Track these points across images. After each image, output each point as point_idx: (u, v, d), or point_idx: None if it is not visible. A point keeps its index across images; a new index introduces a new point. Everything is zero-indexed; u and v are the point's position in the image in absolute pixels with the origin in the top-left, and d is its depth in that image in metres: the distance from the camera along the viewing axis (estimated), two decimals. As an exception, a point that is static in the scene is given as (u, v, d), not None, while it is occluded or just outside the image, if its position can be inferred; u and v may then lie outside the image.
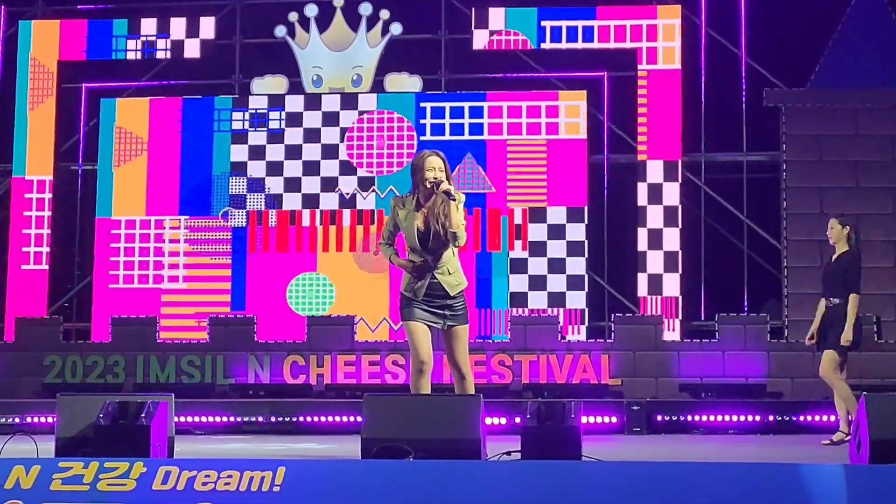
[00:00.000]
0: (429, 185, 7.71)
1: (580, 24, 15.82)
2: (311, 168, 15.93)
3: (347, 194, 15.84)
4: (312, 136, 15.99)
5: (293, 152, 16.00)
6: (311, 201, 15.86)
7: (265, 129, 16.05)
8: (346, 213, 15.79)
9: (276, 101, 16.08)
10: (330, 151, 15.95)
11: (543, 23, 15.87)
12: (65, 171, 16.53)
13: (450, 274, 7.76)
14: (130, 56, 16.32)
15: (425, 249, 7.75)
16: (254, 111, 16.09)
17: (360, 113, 15.98)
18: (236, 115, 16.11)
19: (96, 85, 16.60)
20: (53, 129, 16.29)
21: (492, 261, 15.61)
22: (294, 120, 16.04)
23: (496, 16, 15.92)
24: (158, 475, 5.79)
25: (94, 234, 16.10)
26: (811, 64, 15.56)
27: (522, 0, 16.12)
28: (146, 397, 6.68)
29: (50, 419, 12.14)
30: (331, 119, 16.00)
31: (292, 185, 15.92)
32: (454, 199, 7.62)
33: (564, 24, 15.84)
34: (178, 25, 16.22)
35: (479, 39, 15.96)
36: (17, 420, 13.01)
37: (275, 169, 15.97)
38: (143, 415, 6.50)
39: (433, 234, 7.72)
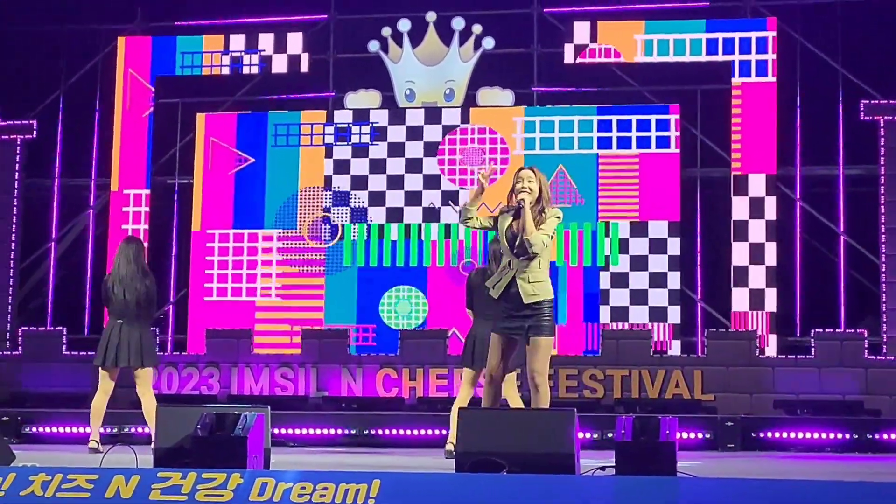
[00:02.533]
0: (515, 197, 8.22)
1: (671, 37, 15.74)
2: (397, 182, 15.99)
3: (439, 207, 15.88)
4: (405, 149, 16.05)
5: (385, 166, 16.07)
6: (400, 215, 15.91)
7: (359, 143, 16.16)
8: (438, 226, 15.83)
9: (370, 116, 16.17)
10: (423, 165, 16.01)
11: (635, 36, 15.80)
12: (161, 185, 16.77)
13: (529, 283, 8.12)
14: (228, 71, 16.55)
15: (512, 252, 8.19)
16: (347, 125, 16.20)
17: (453, 127, 16.03)
18: (328, 129, 16.24)
19: (192, 100, 16.83)
20: (150, 143, 16.55)
21: (598, 276, 15.53)
22: (388, 134, 16.12)
23: (589, 30, 15.89)
24: (255, 486, 5.86)
25: (190, 247, 16.34)
26: (911, 76, 15.33)
27: (614, 14, 16.08)
28: (243, 409, 6.75)
29: (146, 430, 12.31)
30: (424, 133, 16.06)
31: (382, 198, 16.00)
32: (521, 206, 8.09)
33: (656, 37, 15.76)
34: (274, 40, 16.40)
35: (571, 54, 15.93)
36: (115, 430, 13.23)
37: (364, 183, 16.06)
38: (240, 426, 6.56)
39: (518, 242, 8.14)
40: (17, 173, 16.45)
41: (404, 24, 16.21)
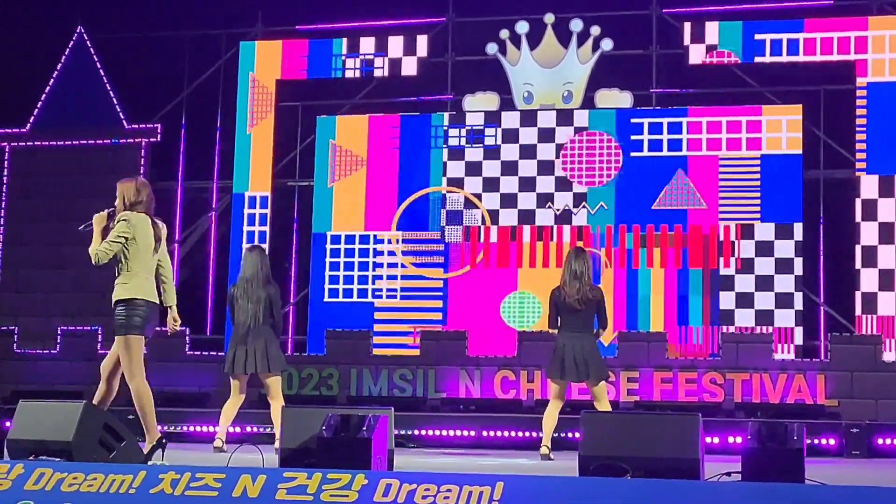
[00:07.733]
0: None
1: (785, 36, 15.46)
2: (527, 184, 15.99)
3: (559, 210, 15.84)
4: (526, 152, 16.05)
5: (509, 168, 16.09)
6: (524, 217, 15.91)
7: (481, 145, 16.19)
8: (559, 228, 15.78)
9: (491, 118, 16.20)
10: (544, 167, 15.98)
11: (757, 36, 15.60)
12: (281, 187, 16.97)
13: (116, 285, 8.74)
14: (348, 74, 16.69)
15: None
16: (469, 128, 16.24)
17: (572, 129, 15.96)
18: (452, 131, 16.29)
19: (312, 103, 17.01)
20: (271, 146, 16.76)
21: (689, 278, 15.38)
22: (508, 136, 16.12)
23: (709, 30, 15.71)
24: (380, 488, 5.87)
25: (310, 248, 16.50)
26: None
27: (734, 14, 15.88)
28: (367, 411, 6.80)
29: (267, 429, 12.47)
30: (543, 135, 16.03)
31: (508, 200, 16.01)
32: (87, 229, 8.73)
33: (768, 37, 15.52)
34: (393, 44, 16.52)
35: (692, 54, 15.78)
36: (237, 430, 13.40)
37: (491, 185, 16.08)
38: (364, 428, 6.61)
39: None
40: (141, 176, 16.73)
41: (522, 27, 16.20)
